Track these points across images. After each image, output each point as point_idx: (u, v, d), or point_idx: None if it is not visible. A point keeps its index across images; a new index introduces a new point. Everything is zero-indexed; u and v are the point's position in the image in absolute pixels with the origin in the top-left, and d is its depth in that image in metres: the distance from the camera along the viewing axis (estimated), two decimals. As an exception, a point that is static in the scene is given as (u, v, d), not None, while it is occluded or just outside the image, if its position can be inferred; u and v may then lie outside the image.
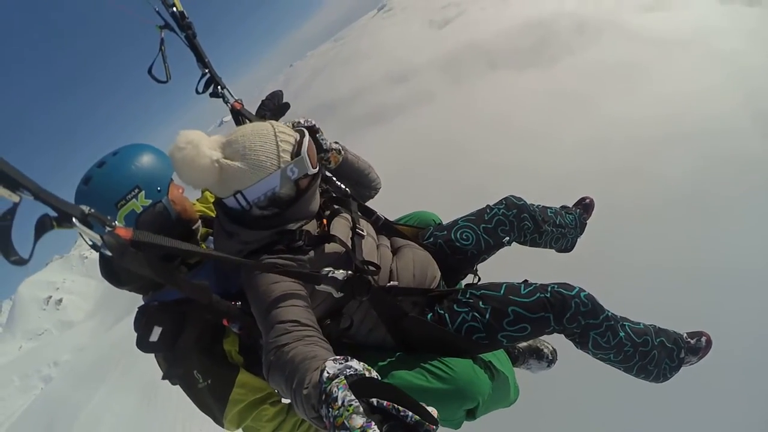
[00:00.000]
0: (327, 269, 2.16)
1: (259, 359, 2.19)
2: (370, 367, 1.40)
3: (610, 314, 2.46)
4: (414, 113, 32.67)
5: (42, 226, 1.40)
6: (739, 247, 11.17)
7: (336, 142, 2.88)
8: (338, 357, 1.44)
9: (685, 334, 2.67)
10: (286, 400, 2.31)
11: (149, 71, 3.17)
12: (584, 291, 2.41)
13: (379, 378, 1.36)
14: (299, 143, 2.26)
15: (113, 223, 1.68)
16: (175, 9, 3.13)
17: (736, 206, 12.14)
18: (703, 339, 2.63)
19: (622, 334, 2.45)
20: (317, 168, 2.32)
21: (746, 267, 10.59)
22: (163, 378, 2.38)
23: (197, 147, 2.13)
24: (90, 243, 2.07)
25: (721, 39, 19.64)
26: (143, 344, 2.23)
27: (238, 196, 2.20)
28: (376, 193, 3.10)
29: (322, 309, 2.27)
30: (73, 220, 1.48)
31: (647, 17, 25.05)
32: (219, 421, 2.26)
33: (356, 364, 1.38)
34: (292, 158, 2.21)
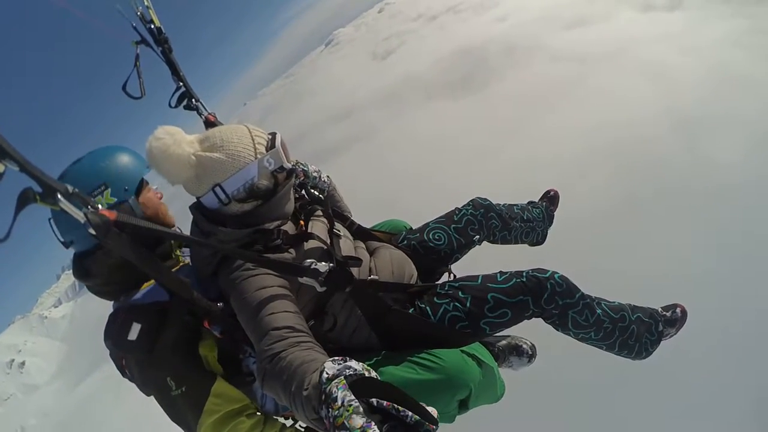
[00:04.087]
0: (309, 260, 2.03)
1: (240, 369, 2.15)
2: (369, 368, 1.35)
3: (585, 294, 2.42)
4: (359, 149, 32.92)
5: (24, 199, 1.33)
6: (670, 248, 11.46)
7: (328, 176, 2.85)
8: (337, 358, 1.39)
9: (660, 308, 2.63)
10: (260, 414, 2.12)
11: (123, 87, 2.98)
12: (558, 272, 2.38)
13: (379, 378, 1.34)
14: (272, 139, 2.17)
15: (96, 204, 1.59)
16: (152, 25, 3.03)
17: (660, 210, 12.57)
18: (678, 310, 2.60)
19: (599, 311, 2.40)
20: (291, 164, 2.24)
21: (678, 269, 10.93)
22: (139, 387, 2.15)
23: (174, 137, 2.02)
24: (62, 240, 2.05)
25: (643, 47, 20.35)
26: (120, 344, 2.00)
27: (217, 189, 2.08)
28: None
29: (307, 310, 2.14)
30: (58, 195, 1.40)
31: (571, 34, 26.06)
32: (192, 427, 2.04)
33: (355, 365, 1.33)
34: (267, 150, 2.13)
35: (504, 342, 2.74)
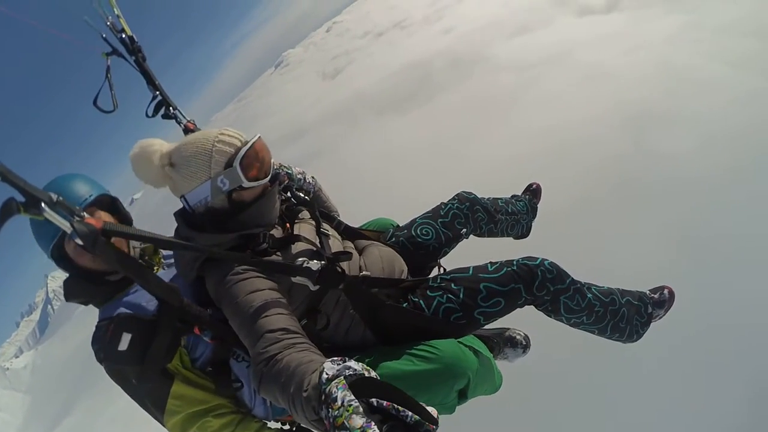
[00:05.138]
0: (301, 259, 2.08)
1: (229, 376, 2.15)
2: (368, 368, 1.36)
3: (575, 279, 2.52)
4: (315, 165, 32.80)
5: (8, 210, 1.34)
6: (629, 243, 11.94)
7: (313, 177, 2.93)
8: (336, 358, 1.39)
9: (648, 291, 2.79)
10: (235, 414, 2.15)
11: (94, 102, 3.03)
12: (547, 259, 2.45)
13: (379, 378, 1.32)
14: (235, 154, 2.10)
15: (82, 213, 1.63)
16: (124, 35, 3.06)
17: (616, 206, 13.13)
18: (666, 291, 2.75)
19: (590, 295, 2.50)
20: (264, 178, 2.19)
21: (641, 263, 10.99)
22: (132, 397, 2.13)
23: (146, 151, 2.15)
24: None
25: (585, 50, 20.80)
26: (111, 355, 1.99)
27: (182, 199, 2.22)
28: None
29: (300, 311, 2.18)
30: (42, 205, 1.41)
31: (513, 44, 26.67)
32: (162, 423, 2.10)
33: (355, 365, 1.34)
34: (225, 168, 2.11)
35: (497, 334, 2.77)
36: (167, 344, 2.01)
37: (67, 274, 2.19)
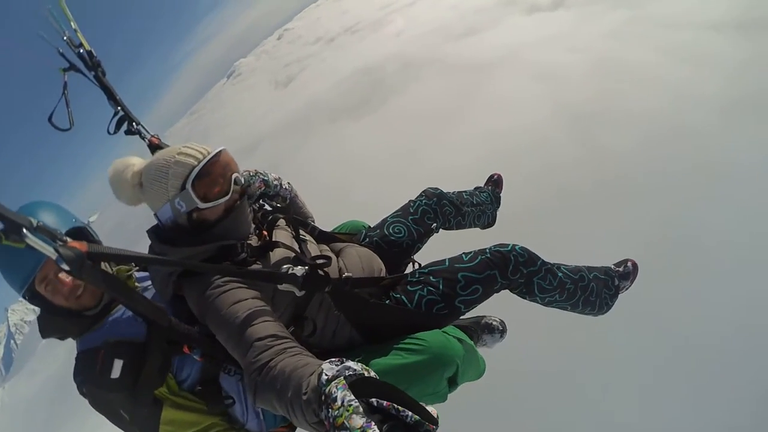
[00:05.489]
0: (286, 266, 2.09)
1: (220, 393, 2.13)
2: (368, 368, 1.37)
3: (545, 260, 2.68)
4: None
5: None
6: (586, 243, 11.61)
7: (289, 182, 2.97)
8: (334, 359, 1.39)
9: (612, 265, 3.00)
10: (228, 431, 2.17)
11: (50, 119, 2.98)
12: (518, 245, 2.60)
13: (378, 378, 1.32)
14: (188, 175, 2.11)
15: (64, 237, 1.56)
16: (82, 49, 3.02)
17: (571, 206, 13.16)
18: (630, 264, 2.97)
19: (560, 274, 2.67)
20: (225, 196, 2.18)
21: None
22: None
23: (122, 174, 2.20)
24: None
25: (533, 50, 20.99)
26: (103, 384, 1.94)
27: (155, 216, 2.26)
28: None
29: (285, 318, 2.20)
30: (24, 231, 1.35)
31: (462, 45, 26.75)
32: None
33: (354, 365, 1.34)
34: (180, 191, 2.12)
35: (475, 322, 2.90)
36: (158, 366, 2.00)
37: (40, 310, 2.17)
